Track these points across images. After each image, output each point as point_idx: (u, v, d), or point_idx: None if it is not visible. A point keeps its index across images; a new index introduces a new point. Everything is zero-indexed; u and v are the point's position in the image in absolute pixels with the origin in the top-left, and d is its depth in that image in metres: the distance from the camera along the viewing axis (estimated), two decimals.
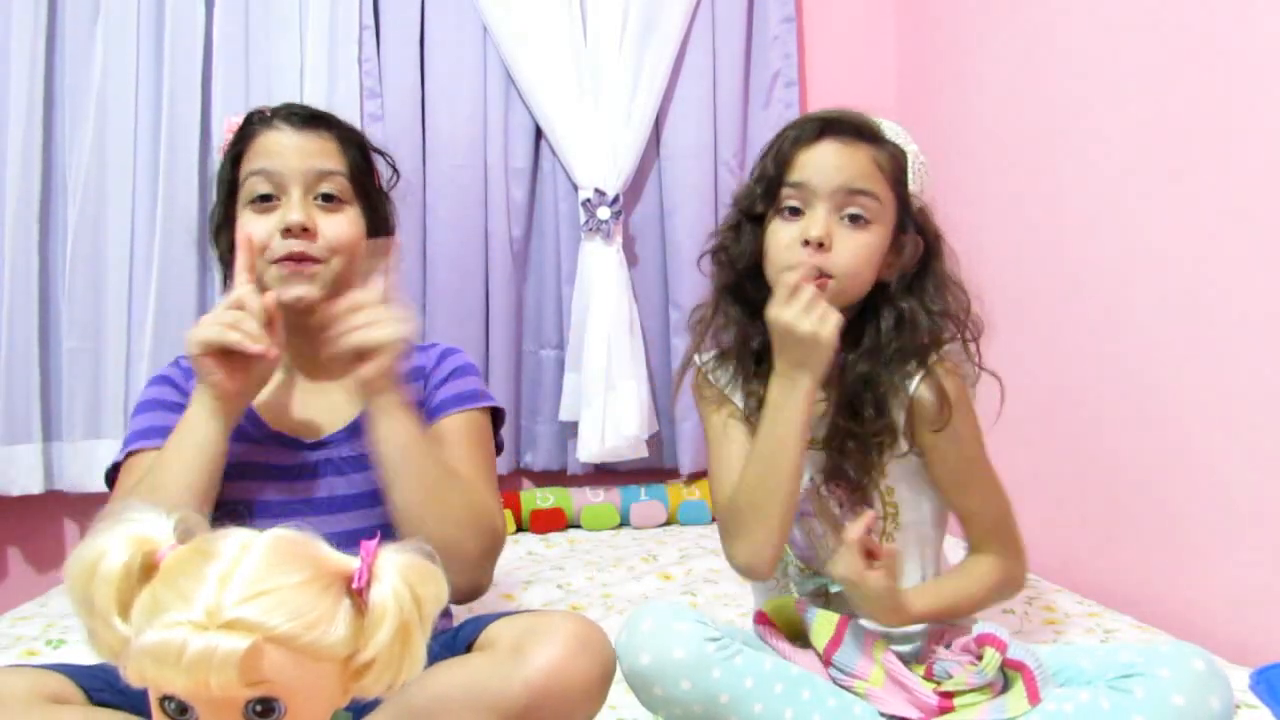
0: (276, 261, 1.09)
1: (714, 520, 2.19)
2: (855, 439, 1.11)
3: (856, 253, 1.07)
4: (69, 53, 2.07)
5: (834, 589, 1.14)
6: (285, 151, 1.12)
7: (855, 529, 1.02)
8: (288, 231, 1.09)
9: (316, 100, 2.08)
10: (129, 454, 1.12)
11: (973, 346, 1.14)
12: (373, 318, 1.03)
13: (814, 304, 1.02)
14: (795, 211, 1.08)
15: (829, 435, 1.13)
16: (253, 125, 1.16)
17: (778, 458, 1.05)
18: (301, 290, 1.09)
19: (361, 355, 1.03)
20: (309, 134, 1.14)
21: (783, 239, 1.09)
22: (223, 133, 1.22)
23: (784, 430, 1.05)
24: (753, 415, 1.15)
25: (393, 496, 1.06)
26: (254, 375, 1.05)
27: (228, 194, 1.17)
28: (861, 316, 1.13)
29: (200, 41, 2.09)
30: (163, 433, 1.09)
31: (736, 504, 1.08)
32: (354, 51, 2.16)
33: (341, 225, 1.13)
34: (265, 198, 1.11)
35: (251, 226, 1.10)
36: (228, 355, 1.02)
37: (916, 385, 1.11)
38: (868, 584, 1.02)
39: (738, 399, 1.17)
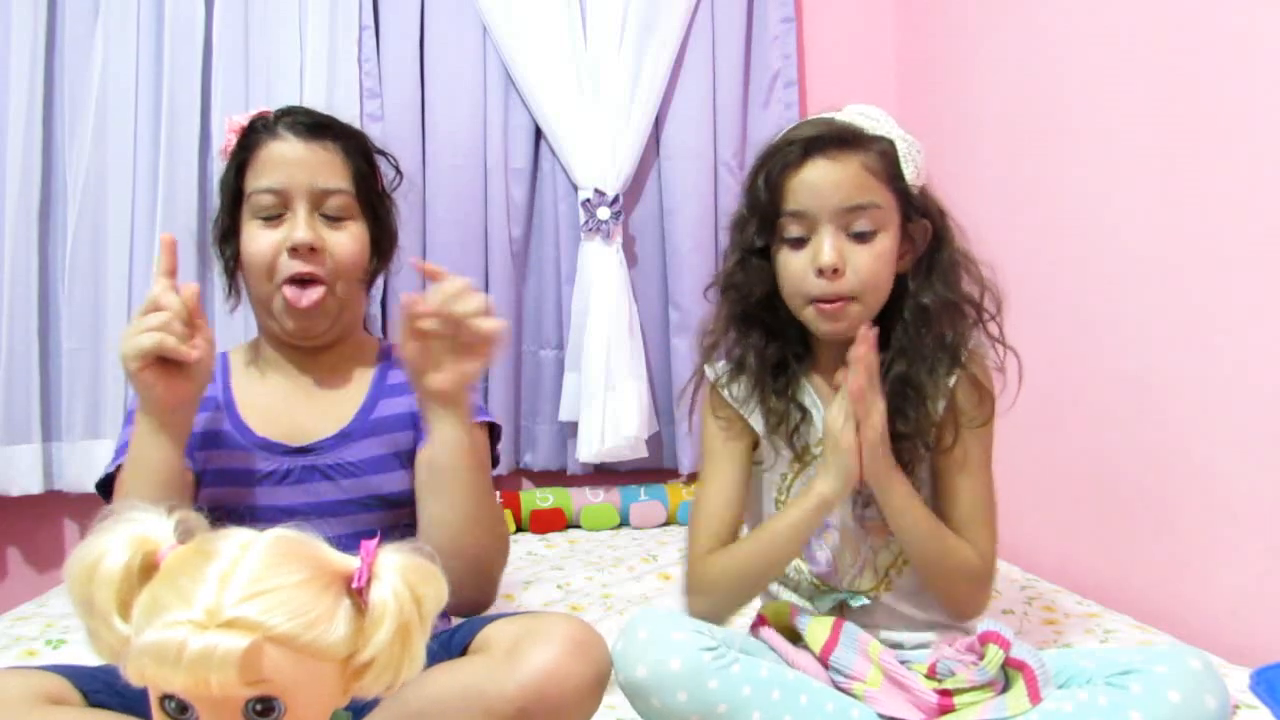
0: (285, 282, 1.10)
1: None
2: (901, 439, 1.10)
3: (872, 266, 1.07)
4: (69, 53, 2.07)
5: (854, 603, 1.14)
6: (290, 165, 1.11)
7: (857, 376, 1.03)
8: (294, 251, 1.09)
9: (316, 100, 2.09)
10: (119, 467, 1.11)
11: (993, 327, 1.13)
12: (478, 305, 1.00)
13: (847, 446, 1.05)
14: (800, 241, 1.08)
15: None
16: (257, 133, 1.15)
17: (774, 553, 1.09)
18: (301, 319, 1.11)
19: (452, 357, 1.01)
20: (314, 145, 1.13)
21: (795, 270, 1.08)
22: (224, 132, 1.20)
23: (791, 537, 1.08)
24: (773, 433, 1.15)
25: (434, 506, 1.05)
26: (193, 381, 1.00)
27: (232, 202, 1.15)
28: (886, 311, 1.13)
29: (200, 41, 2.09)
30: None
31: (712, 571, 1.11)
32: (354, 51, 2.16)
33: (346, 243, 1.13)
34: (275, 211, 1.11)
35: (257, 242, 1.10)
36: (164, 364, 0.97)
37: (955, 381, 1.11)
38: (871, 430, 1.04)
39: (754, 418, 1.17)
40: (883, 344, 1.11)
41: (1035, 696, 0.96)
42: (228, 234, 1.17)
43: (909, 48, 2.38)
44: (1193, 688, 0.91)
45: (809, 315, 1.10)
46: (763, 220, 1.10)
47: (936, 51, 2.24)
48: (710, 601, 1.12)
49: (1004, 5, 1.93)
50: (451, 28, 2.21)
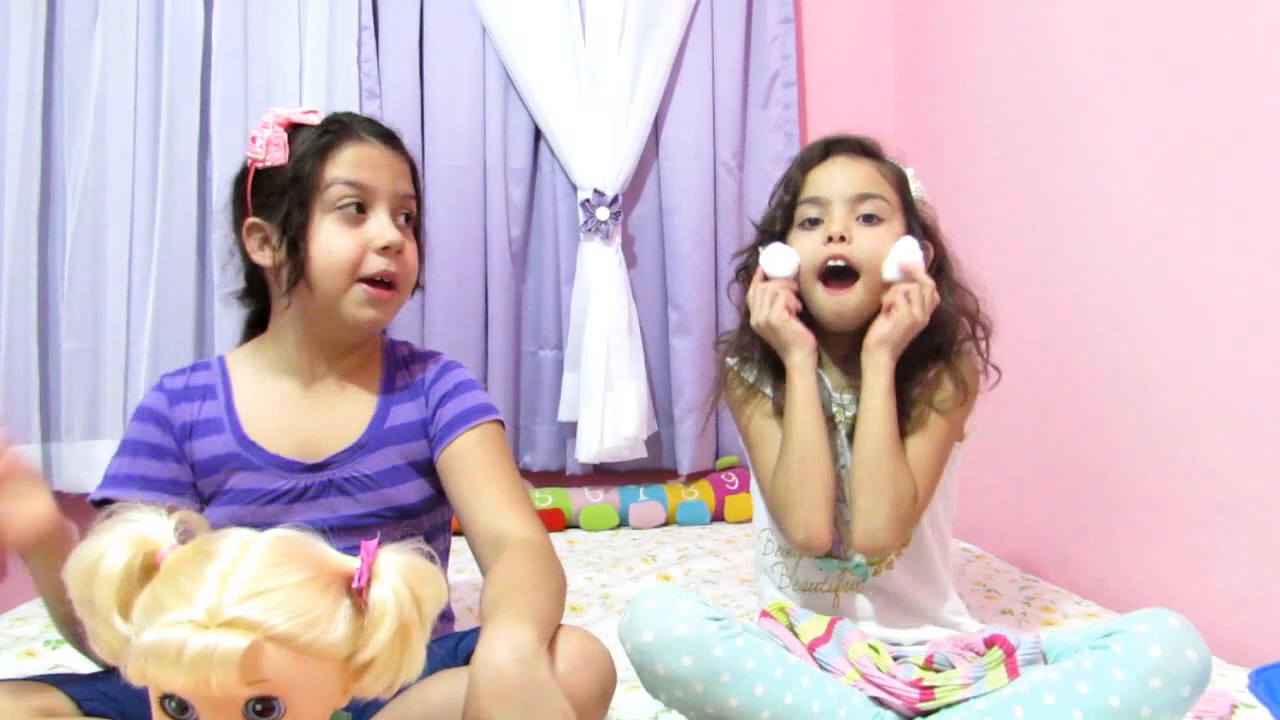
0: (366, 281, 1.09)
1: (713, 520, 2.22)
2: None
3: (876, 244, 1.19)
4: (69, 53, 2.07)
5: (856, 572, 1.21)
6: (378, 167, 1.11)
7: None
8: (385, 249, 1.09)
9: (316, 101, 2.09)
10: (106, 500, 1.06)
11: (983, 344, 1.24)
12: None
13: (767, 297, 1.19)
14: (814, 222, 1.22)
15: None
16: (333, 133, 1.11)
17: (802, 433, 1.16)
18: (376, 314, 1.11)
19: None
20: (392, 154, 1.14)
21: (807, 246, 1.21)
22: (271, 125, 1.10)
23: (799, 406, 1.17)
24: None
25: None
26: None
27: (304, 191, 1.08)
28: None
29: (199, 42, 2.09)
30: (137, 482, 1.07)
31: (777, 488, 1.18)
32: (353, 52, 2.16)
33: (412, 254, 1.14)
34: (358, 208, 1.09)
35: (339, 240, 1.08)
36: None
37: (939, 368, 1.20)
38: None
39: (768, 390, 1.26)
40: None
41: (1013, 672, 0.97)
42: (299, 223, 1.08)
43: (908, 48, 2.38)
44: (1172, 642, 0.92)
45: (819, 295, 1.20)
46: (784, 209, 1.25)
47: (936, 51, 2.24)
48: (795, 512, 1.16)
49: (1004, 6, 1.93)
50: (451, 28, 2.21)
